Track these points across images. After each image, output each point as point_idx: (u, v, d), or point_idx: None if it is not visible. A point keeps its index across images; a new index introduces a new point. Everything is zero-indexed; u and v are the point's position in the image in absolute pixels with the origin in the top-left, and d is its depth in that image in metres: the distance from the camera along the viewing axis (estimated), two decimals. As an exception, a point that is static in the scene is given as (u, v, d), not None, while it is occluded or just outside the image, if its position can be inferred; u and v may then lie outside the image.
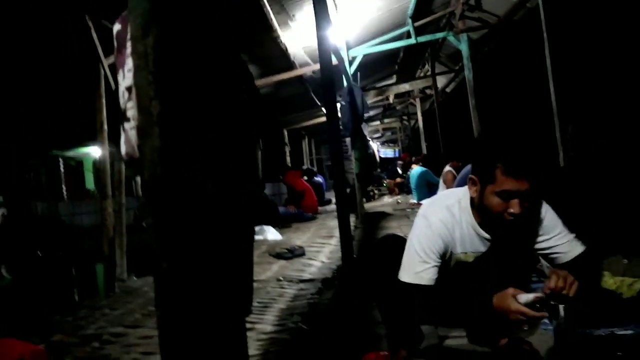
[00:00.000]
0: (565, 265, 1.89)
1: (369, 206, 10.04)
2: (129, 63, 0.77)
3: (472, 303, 1.78)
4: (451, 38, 7.66)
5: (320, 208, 9.65)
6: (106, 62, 4.45)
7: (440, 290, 1.85)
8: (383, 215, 8.38)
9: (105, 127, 4.51)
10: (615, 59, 3.70)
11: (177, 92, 0.68)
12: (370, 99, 12.67)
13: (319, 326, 2.62)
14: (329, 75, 3.90)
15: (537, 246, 1.95)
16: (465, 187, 1.98)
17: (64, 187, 10.34)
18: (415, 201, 9.53)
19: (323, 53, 3.84)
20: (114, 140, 4.60)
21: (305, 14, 6.21)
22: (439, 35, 7.98)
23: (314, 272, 4.04)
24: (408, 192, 11.20)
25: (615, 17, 3.81)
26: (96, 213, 7.00)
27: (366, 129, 11.71)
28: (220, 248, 0.69)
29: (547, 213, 1.94)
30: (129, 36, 0.80)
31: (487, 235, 1.91)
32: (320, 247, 5.36)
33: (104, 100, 4.50)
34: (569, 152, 3.16)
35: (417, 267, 1.86)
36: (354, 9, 6.82)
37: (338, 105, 5.46)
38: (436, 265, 1.86)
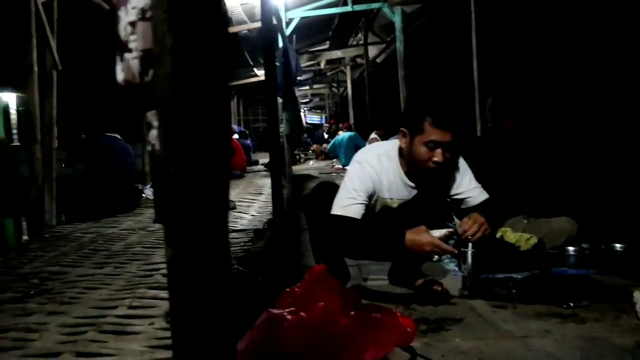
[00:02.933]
0: (473, 209, 2.21)
1: (296, 169, 10.28)
2: (133, 1, 0.90)
3: (389, 234, 2.05)
4: (386, 9, 7.90)
5: (247, 168, 9.81)
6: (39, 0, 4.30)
7: (364, 224, 2.11)
8: (309, 177, 8.65)
9: (36, 68, 4.37)
10: (534, 45, 4.06)
11: (185, 28, 0.84)
12: (303, 63, 12.74)
13: (254, 268, 2.82)
14: (270, 35, 4.01)
15: (452, 192, 2.27)
16: (394, 141, 2.26)
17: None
18: (340, 166, 9.87)
19: (266, 13, 3.93)
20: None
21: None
22: (375, 5, 8.19)
23: (245, 224, 4.21)
24: (333, 157, 11.53)
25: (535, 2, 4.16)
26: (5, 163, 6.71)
27: (297, 92, 11.85)
28: (215, 155, 0.87)
29: (460, 163, 2.26)
30: None
31: (411, 184, 2.21)
32: (250, 202, 5.53)
33: (34, 41, 4.35)
34: (487, 123, 3.48)
35: (346, 202, 2.11)
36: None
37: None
38: (364, 203, 2.13)
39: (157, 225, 4.42)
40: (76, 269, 2.97)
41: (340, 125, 13.37)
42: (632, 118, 3.02)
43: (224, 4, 0.97)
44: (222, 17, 0.94)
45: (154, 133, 0.97)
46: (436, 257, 2.06)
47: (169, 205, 0.85)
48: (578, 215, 3.07)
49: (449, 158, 2.11)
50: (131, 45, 0.93)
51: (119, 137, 5.52)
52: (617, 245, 2.81)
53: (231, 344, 0.99)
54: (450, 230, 2.07)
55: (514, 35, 4.29)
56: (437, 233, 2.03)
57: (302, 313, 1.28)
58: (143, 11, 0.91)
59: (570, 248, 2.85)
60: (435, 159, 2.07)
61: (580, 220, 3.03)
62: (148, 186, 6.34)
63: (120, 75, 0.96)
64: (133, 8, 0.92)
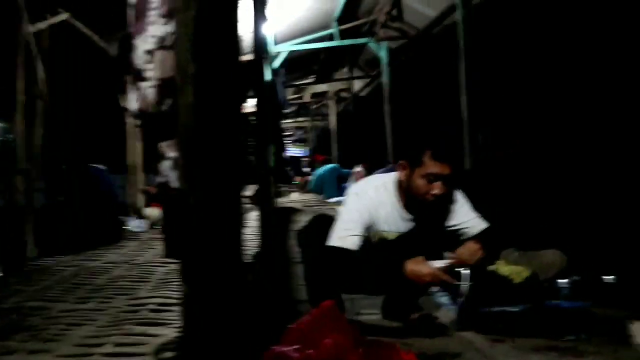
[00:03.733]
0: (471, 240, 2.22)
1: (279, 202, 10.20)
2: (151, 30, 0.89)
3: (388, 265, 2.04)
4: (372, 44, 8.04)
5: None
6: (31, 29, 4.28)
7: (361, 255, 2.10)
8: (294, 211, 8.57)
9: (22, 98, 4.33)
10: (521, 82, 4.15)
11: (208, 58, 0.84)
12: (287, 97, 12.85)
13: (244, 302, 2.75)
14: (261, 69, 4.02)
15: (450, 223, 2.28)
16: (391, 174, 2.28)
17: None
18: (323, 199, 9.84)
19: (258, 46, 3.95)
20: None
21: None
22: (362, 40, 8.33)
23: (233, 257, 4.14)
24: (316, 192, 11.50)
25: (526, 42, 4.27)
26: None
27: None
28: (235, 187, 0.85)
29: (458, 195, 2.28)
30: (152, 5, 0.91)
31: (409, 216, 2.21)
32: (236, 235, 5.45)
33: (22, 70, 4.32)
34: (477, 157, 3.53)
35: (343, 233, 2.11)
36: (283, 5, 6.98)
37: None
38: (360, 235, 2.12)
39: (143, 258, 4.33)
40: (59, 304, 2.87)
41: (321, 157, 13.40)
42: (619, 152, 3.08)
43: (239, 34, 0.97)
44: (239, 46, 0.93)
45: (167, 164, 0.95)
46: (435, 288, 2.06)
47: (187, 240, 0.82)
48: (567, 248, 3.09)
49: (448, 191, 2.13)
50: (147, 73, 0.92)
51: (103, 168, 5.46)
52: (607, 277, 2.83)
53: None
54: (449, 261, 2.08)
55: (502, 71, 4.39)
56: (437, 264, 2.04)
57: (309, 351, 1.25)
58: (162, 40, 0.91)
59: (562, 280, 2.85)
60: (435, 191, 2.10)
61: (568, 253, 3.05)
62: (131, 219, 6.25)
63: (134, 104, 0.95)
64: (151, 36, 0.91)
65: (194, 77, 0.81)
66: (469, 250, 2.10)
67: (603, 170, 3.31)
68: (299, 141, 30.66)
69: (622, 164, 3.10)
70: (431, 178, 2.10)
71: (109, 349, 2.11)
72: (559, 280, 2.87)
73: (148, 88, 0.91)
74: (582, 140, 3.41)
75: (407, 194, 2.19)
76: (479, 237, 2.24)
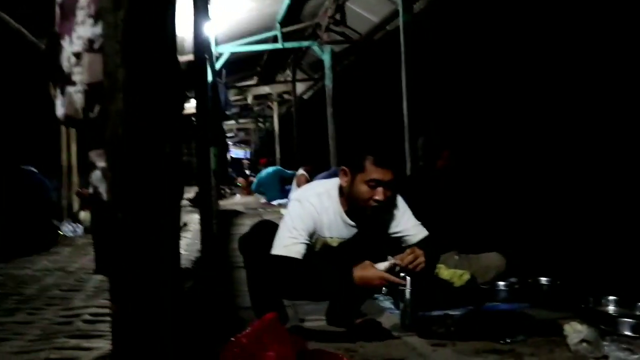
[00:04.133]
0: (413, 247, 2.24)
1: (222, 204, 10.07)
2: (79, 31, 0.82)
3: (335, 272, 2.03)
4: (315, 48, 8.06)
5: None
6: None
7: (307, 263, 2.07)
8: (236, 213, 8.49)
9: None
10: (461, 90, 4.25)
11: (140, 62, 0.78)
12: (230, 98, 12.70)
13: (184, 309, 2.67)
14: (202, 69, 3.93)
15: (392, 230, 2.28)
16: (334, 180, 2.26)
17: None
18: (265, 201, 9.77)
19: (198, 47, 3.86)
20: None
21: (179, 3, 6.13)
22: (305, 43, 8.34)
23: (172, 263, 4.03)
24: (258, 193, 11.39)
25: (465, 48, 4.38)
26: None
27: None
28: (169, 201, 0.80)
29: (399, 201, 2.29)
30: (80, 4, 0.84)
31: (351, 222, 2.20)
32: (177, 239, 5.31)
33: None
34: (418, 162, 3.57)
35: (287, 241, 2.07)
36: (226, 6, 6.86)
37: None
38: (305, 243, 2.09)
39: (77, 265, 4.14)
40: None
41: (264, 159, 13.31)
42: (556, 155, 3.19)
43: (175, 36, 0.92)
44: (175, 49, 0.88)
45: (97, 174, 0.89)
46: (385, 289, 2.07)
47: (115, 257, 0.76)
48: (506, 251, 3.18)
49: (390, 197, 2.13)
50: (75, 77, 0.85)
51: (34, 170, 5.18)
52: (543, 279, 2.94)
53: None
54: (392, 262, 2.09)
55: (442, 77, 4.49)
56: (382, 266, 2.05)
57: (250, 364, 1.21)
58: (90, 42, 0.84)
59: (501, 283, 2.93)
60: (377, 197, 2.09)
61: (508, 256, 3.14)
62: (65, 222, 5.98)
63: (60, 110, 0.88)
64: (78, 38, 0.85)
65: (124, 83, 0.75)
66: (410, 256, 2.10)
67: (539, 178, 3.43)
68: (241, 143, 30.39)
69: (558, 174, 3.23)
70: (373, 184, 2.09)
71: (38, 364, 1.99)
72: (498, 283, 2.95)
73: (76, 93, 0.84)
74: (516, 146, 3.53)
75: (350, 201, 2.17)
76: (419, 245, 2.25)
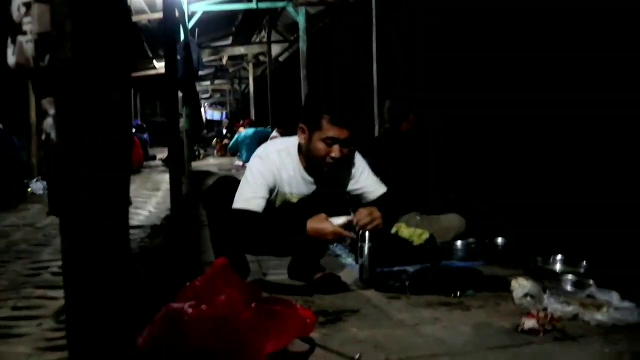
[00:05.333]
0: (371, 204, 2.32)
1: (195, 165, 10.05)
2: (28, -19, 0.86)
3: (290, 224, 2.11)
4: (290, 9, 7.98)
5: (144, 163, 9.49)
6: None
7: (266, 217, 2.14)
8: (208, 174, 8.50)
9: None
10: (434, 49, 4.29)
11: (87, 12, 0.82)
12: (205, 58, 12.49)
13: (150, 265, 2.74)
14: (171, 27, 3.90)
15: (350, 187, 2.36)
16: (294, 138, 2.31)
17: None
18: (240, 163, 9.79)
19: (168, 4, 3.82)
20: None
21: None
22: (280, 4, 8.24)
23: (142, 220, 4.09)
24: (233, 154, 11.40)
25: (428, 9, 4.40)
26: None
27: (198, 87, 11.65)
28: (116, 145, 0.85)
29: (357, 159, 2.35)
30: None
31: (310, 179, 2.27)
32: (147, 198, 5.37)
33: None
34: (384, 125, 3.64)
35: (247, 195, 2.14)
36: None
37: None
38: (265, 197, 2.16)
39: (46, 222, 4.15)
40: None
41: (241, 121, 13.26)
42: (516, 116, 3.27)
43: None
44: (124, 3, 0.92)
45: (49, 121, 0.93)
46: (336, 244, 2.15)
47: (64, 197, 0.82)
48: (466, 212, 3.30)
49: (346, 154, 2.19)
50: (25, 27, 0.88)
51: (1, 127, 5.12)
52: (499, 239, 3.07)
53: (130, 339, 0.97)
54: (349, 218, 2.16)
55: (411, 41, 4.52)
56: (337, 220, 2.12)
57: (202, 306, 1.28)
58: (39, -8, 0.88)
59: (458, 242, 3.05)
60: (333, 154, 2.14)
61: (468, 217, 3.26)
62: (34, 180, 5.94)
63: (11, 58, 0.91)
64: (27, -13, 0.88)
65: (71, 32, 0.79)
66: (366, 213, 2.18)
67: (503, 139, 3.52)
68: (217, 104, 30.07)
69: (518, 131, 3.32)
70: (329, 141, 2.14)
71: (5, 312, 2.06)
72: (456, 242, 3.08)
73: (26, 42, 0.88)
74: (483, 109, 3.60)
75: (307, 157, 2.23)
76: (377, 201, 2.33)
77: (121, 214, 0.85)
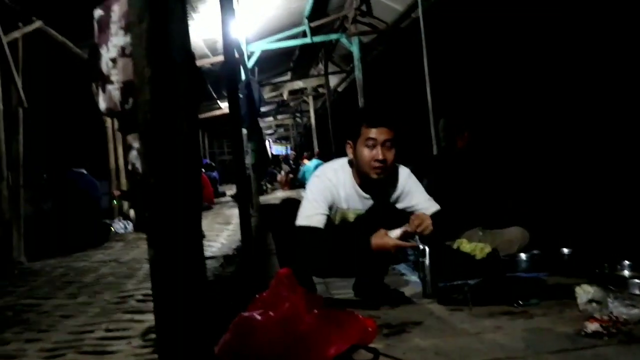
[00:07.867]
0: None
1: (263, 199, 10.36)
2: (114, 40, 1.05)
3: (353, 240, 2.21)
4: (344, 40, 8.23)
5: (215, 200, 9.89)
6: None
7: (327, 232, 2.26)
8: (276, 206, 8.73)
9: (1, 106, 4.42)
10: (479, 72, 4.35)
11: (161, 62, 1.00)
12: (266, 95, 13.01)
13: (224, 289, 2.93)
14: (232, 69, 4.16)
15: (403, 205, 2.44)
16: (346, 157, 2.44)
17: None
18: (307, 194, 9.98)
19: (227, 47, 4.08)
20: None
21: (207, 7, 6.43)
22: (333, 36, 8.52)
23: (214, 252, 4.31)
24: (300, 186, 11.68)
25: (480, 35, 4.47)
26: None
27: (261, 123, 12.07)
28: (189, 166, 1.02)
29: (409, 177, 2.44)
30: (113, 19, 1.06)
31: (365, 195, 2.38)
32: (219, 232, 5.62)
33: (-1, 79, 4.41)
34: (440, 143, 3.70)
35: (309, 212, 2.28)
36: (253, 5, 7.12)
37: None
38: (325, 214, 2.29)
39: (128, 257, 4.47)
40: (50, 300, 3.02)
41: (306, 153, 13.57)
42: (573, 133, 3.27)
43: (190, 41, 1.14)
44: (190, 51, 1.10)
45: (134, 154, 1.11)
46: (412, 256, 2.22)
47: (149, 213, 0.99)
48: (530, 225, 3.29)
49: (392, 158, 2.28)
50: (113, 78, 1.08)
51: (85, 172, 5.58)
52: (565, 250, 3.04)
53: (208, 348, 1.13)
54: (404, 228, 2.24)
55: (462, 62, 4.59)
56: (394, 233, 2.21)
57: (270, 312, 1.41)
58: (123, 49, 1.07)
59: (522, 254, 3.05)
60: (377, 157, 2.24)
61: (532, 230, 3.25)
62: (116, 220, 6.38)
63: (102, 104, 1.11)
64: (114, 46, 1.07)
65: (150, 78, 0.97)
66: (417, 219, 2.24)
67: (560, 152, 3.51)
68: (281, 139, 30.75)
69: (580, 149, 3.30)
70: (370, 144, 2.26)
71: (100, 334, 2.28)
72: (520, 254, 3.07)
73: (114, 90, 1.07)
74: (534, 124, 3.61)
75: (358, 171, 2.34)
76: (432, 219, 2.39)
77: (195, 223, 1.01)
